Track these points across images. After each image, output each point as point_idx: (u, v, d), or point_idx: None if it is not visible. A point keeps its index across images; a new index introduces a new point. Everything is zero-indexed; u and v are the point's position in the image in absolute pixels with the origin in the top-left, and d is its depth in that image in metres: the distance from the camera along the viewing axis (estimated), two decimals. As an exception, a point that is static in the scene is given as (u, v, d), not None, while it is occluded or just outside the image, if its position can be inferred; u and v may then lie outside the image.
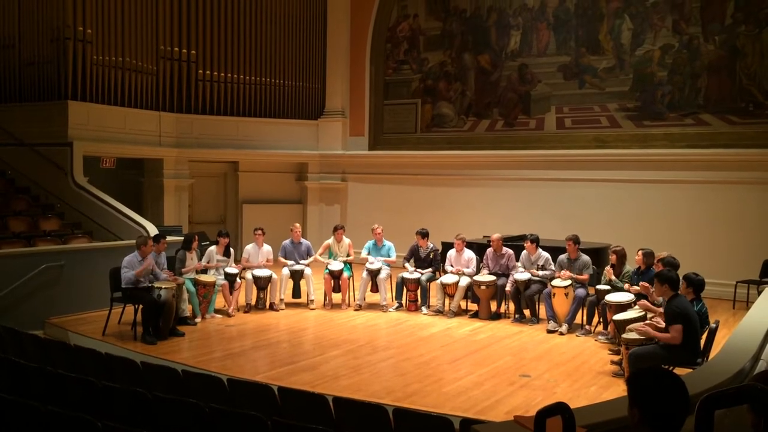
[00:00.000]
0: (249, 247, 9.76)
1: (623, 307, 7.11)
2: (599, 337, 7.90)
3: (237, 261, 9.96)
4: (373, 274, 9.62)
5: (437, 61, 13.84)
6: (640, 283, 7.14)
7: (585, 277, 8.34)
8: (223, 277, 9.17)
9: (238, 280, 9.29)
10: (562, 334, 8.19)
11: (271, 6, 14.49)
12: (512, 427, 3.11)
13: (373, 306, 9.75)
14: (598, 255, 9.38)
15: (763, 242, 10.27)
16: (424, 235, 9.72)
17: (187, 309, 8.56)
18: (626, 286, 7.63)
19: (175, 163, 13.40)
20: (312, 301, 9.68)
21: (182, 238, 9.84)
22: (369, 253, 9.89)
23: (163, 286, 7.84)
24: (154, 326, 7.72)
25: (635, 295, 7.28)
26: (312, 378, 6.35)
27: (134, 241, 8.25)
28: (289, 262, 9.75)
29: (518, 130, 12.93)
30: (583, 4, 12.15)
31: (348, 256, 9.94)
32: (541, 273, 8.81)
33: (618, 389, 6.02)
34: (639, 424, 2.18)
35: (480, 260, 9.49)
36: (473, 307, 9.44)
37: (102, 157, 12.07)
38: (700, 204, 10.94)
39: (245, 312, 9.31)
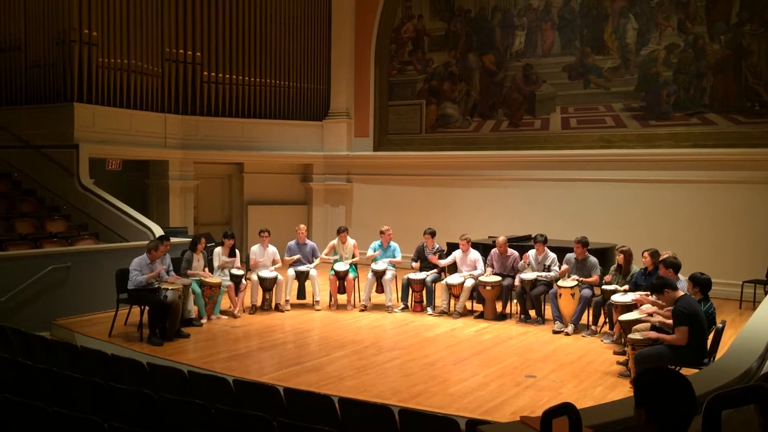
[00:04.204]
0: (255, 248, 9.78)
1: (629, 307, 7.08)
2: (604, 338, 7.88)
3: (243, 262, 9.98)
4: (379, 274, 9.62)
5: (442, 61, 13.84)
6: (639, 296, 7.11)
7: (594, 278, 8.32)
8: (228, 278, 9.18)
9: (243, 281, 9.30)
10: (567, 334, 8.17)
11: (276, 8, 14.51)
12: (518, 428, 3.10)
13: (378, 307, 9.75)
14: (604, 255, 9.35)
15: (770, 242, 10.25)
16: (432, 234, 9.73)
17: (192, 310, 8.57)
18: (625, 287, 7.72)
19: (180, 165, 13.43)
20: (317, 302, 9.69)
21: (187, 239, 9.88)
22: (375, 252, 9.88)
23: (169, 287, 7.86)
24: (160, 327, 7.74)
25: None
26: (317, 379, 6.36)
27: (140, 243, 8.27)
28: (295, 257, 9.70)
29: (523, 130, 12.91)
30: (588, 3, 12.13)
31: (353, 257, 9.94)
32: (545, 274, 8.79)
33: (624, 390, 6.01)
34: (645, 425, 2.18)
35: (485, 261, 9.48)
36: (478, 307, 9.43)
37: (108, 159, 12.11)
38: (706, 204, 10.90)
39: (251, 313, 9.32)
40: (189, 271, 8.76)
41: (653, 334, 5.86)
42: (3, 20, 12.30)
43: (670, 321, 5.77)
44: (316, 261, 9.90)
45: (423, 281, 9.48)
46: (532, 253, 9.07)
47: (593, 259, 8.50)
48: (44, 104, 11.78)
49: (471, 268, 9.38)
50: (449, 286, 9.30)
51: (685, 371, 4.64)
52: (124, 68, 12.25)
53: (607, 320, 8.10)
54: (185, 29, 13.47)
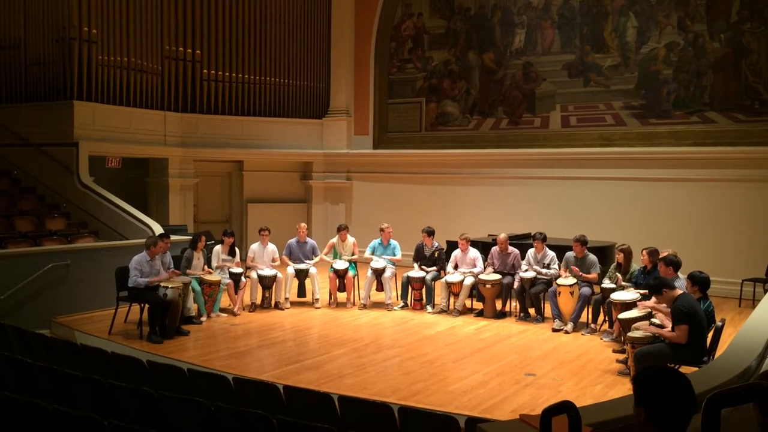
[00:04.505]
0: (254, 246, 9.78)
1: (629, 305, 7.09)
2: (603, 336, 7.88)
3: (242, 260, 9.98)
4: (378, 273, 9.62)
5: (442, 59, 13.83)
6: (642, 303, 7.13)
7: (593, 276, 8.33)
8: (228, 276, 9.18)
9: (243, 279, 9.30)
10: (567, 332, 8.18)
11: (276, 5, 14.50)
12: (518, 426, 3.11)
13: (377, 305, 9.75)
14: (604, 253, 9.36)
15: (770, 240, 10.25)
16: (429, 233, 9.72)
17: (192, 308, 8.57)
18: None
19: (180, 163, 13.43)
20: (317, 300, 9.69)
21: (187, 237, 9.88)
22: (374, 252, 9.89)
23: (169, 286, 7.86)
24: (159, 325, 7.74)
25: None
26: (317, 377, 6.36)
27: (140, 240, 8.26)
28: (294, 264, 9.73)
29: (523, 128, 12.91)
30: (588, 1, 12.12)
31: (353, 255, 9.95)
32: (545, 271, 8.80)
33: (623, 388, 6.01)
34: (645, 423, 2.18)
35: (485, 259, 9.48)
36: (478, 305, 9.43)
37: (107, 156, 12.11)
38: (705, 202, 10.91)
39: (250, 311, 9.33)
40: (188, 270, 8.76)
41: (653, 329, 5.86)
42: (3, 18, 12.28)
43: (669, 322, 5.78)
44: (316, 259, 9.90)
45: (423, 279, 9.48)
46: (531, 252, 9.08)
47: (592, 257, 8.50)
48: (44, 102, 11.77)
49: (470, 267, 9.38)
50: (449, 284, 9.30)
51: (685, 369, 4.66)
52: (123, 66, 12.24)
53: (606, 318, 8.10)
54: (185, 27, 13.46)
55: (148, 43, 12.80)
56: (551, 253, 8.94)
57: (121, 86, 12.20)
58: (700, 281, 5.93)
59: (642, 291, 7.30)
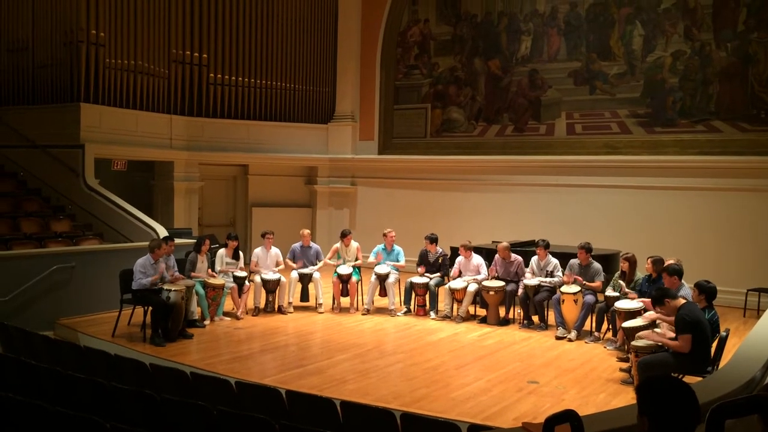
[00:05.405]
0: (258, 251, 9.79)
1: (632, 314, 7.06)
2: (607, 345, 7.85)
3: (246, 264, 10.00)
4: (382, 278, 9.62)
5: (447, 65, 13.85)
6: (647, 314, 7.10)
7: (597, 284, 8.30)
8: (232, 279, 9.19)
9: (246, 283, 9.31)
10: (570, 340, 8.15)
11: (283, 10, 14.55)
12: (520, 434, 3.10)
13: (381, 310, 9.75)
14: (608, 261, 9.33)
15: (775, 250, 10.21)
16: (432, 240, 9.72)
17: (196, 311, 8.58)
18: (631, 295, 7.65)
19: (185, 166, 13.47)
20: (320, 304, 9.69)
21: (191, 240, 9.89)
22: (376, 258, 9.89)
23: (173, 289, 7.87)
24: (163, 328, 7.75)
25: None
26: (319, 382, 6.36)
27: (144, 243, 8.27)
28: (298, 265, 9.75)
29: (528, 135, 12.91)
30: (595, 9, 12.13)
31: (356, 260, 9.95)
32: (548, 280, 8.78)
33: (627, 397, 5.99)
34: (648, 433, 2.17)
35: (489, 265, 9.47)
36: (481, 312, 9.41)
37: (113, 159, 12.14)
38: (711, 211, 10.87)
39: (254, 315, 9.33)
40: (192, 273, 8.77)
41: (657, 337, 5.83)
42: (11, 21, 12.36)
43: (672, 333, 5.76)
44: (320, 264, 9.90)
45: (426, 285, 9.47)
46: (534, 259, 9.06)
47: (597, 265, 8.48)
48: (51, 104, 11.82)
49: (474, 273, 9.37)
50: (452, 291, 9.29)
51: (689, 379, 4.64)
52: (130, 69, 12.29)
53: (610, 327, 8.07)
54: (192, 31, 13.52)
55: (156, 47, 12.85)
56: (554, 261, 8.93)
57: (127, 89, 12.25)
58: (707, 290, 5.91)
59: (647, 300, 7.28)
